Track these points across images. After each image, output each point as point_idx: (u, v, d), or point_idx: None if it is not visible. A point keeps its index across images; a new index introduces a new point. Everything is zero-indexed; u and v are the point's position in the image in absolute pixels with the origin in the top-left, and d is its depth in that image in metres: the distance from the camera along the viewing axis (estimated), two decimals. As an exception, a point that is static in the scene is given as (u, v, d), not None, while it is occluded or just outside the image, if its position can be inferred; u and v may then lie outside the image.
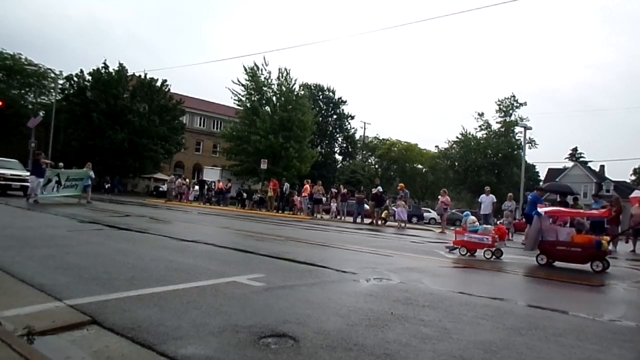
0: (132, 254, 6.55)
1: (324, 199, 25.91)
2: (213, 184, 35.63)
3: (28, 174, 22.63)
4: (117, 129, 40.70)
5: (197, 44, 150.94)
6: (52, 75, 47.65)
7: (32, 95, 48.63)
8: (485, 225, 10.56)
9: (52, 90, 46.56)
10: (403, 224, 21.24)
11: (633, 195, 17.85)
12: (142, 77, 44.73)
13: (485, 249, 9.42)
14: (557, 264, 8.94)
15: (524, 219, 19.35)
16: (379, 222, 22.58)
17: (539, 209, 9.67)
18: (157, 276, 4.91)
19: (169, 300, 3.90)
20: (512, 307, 4.71)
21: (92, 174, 21.00)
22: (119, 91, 42.96)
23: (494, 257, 9.27)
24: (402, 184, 23.41)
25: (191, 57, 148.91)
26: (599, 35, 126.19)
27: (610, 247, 16.06)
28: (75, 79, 44.24)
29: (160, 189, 42.30)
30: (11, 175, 20.84)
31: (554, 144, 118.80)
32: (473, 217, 10.54)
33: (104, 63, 43.40)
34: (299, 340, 3.06)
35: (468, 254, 9.64)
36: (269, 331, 3.21)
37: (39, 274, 4.58)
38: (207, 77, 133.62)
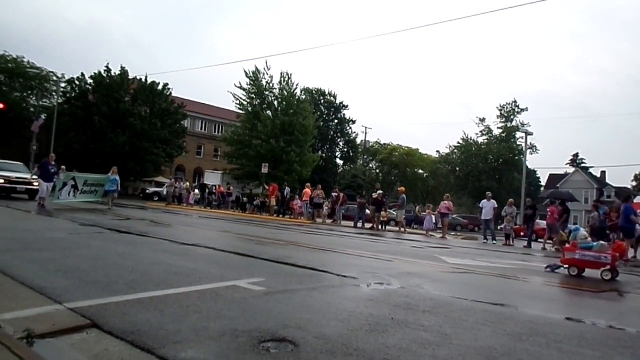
0: (132, 257, 6.55)
1: (325, 202, 25.86)
2: (214, 187, 35.63)
3: (34, 176, 22.61)
4: (118, 132, 40.75)
5: (197, 48, 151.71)
6: (54, 78, 47.85)
7: (33, 98, 48.76)
8: (601, 242, 9.12)
9: (53, 93, 46.72)
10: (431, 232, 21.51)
11: (635, 201, 17.88)
12: (144, 80, 44.81)
13: (603, 268, 8.34)
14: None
15: (524, 225, 19.39)
16: (379, 226, 22.57)
17: None
18: (157, 280, 4.91)
19: (169, 304, 3.89)
20: (513, 313, 4.70)
21: (117, 178, 20.27)
22: (120, 94, 43.01)
23: (611, 277, 8.24)
24: (402, 188, 23.42)
25: (192, 61, 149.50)
26: (597, 42, 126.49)
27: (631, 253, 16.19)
28: (77, 82, 44.33)
29: (147, 190, 40.75)
30: (16, 178, 20.53)
31: (555, 149, 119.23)
32: (584, 232, 9.57)
33: (106, 66, 43.53)
34: (298, 344, 3.05)
35: (575, 272, 8.56)
36: (269, 335, 3.20)
37: (39, 277, 4.58)
38: (208, 81, 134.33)
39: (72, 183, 17.92)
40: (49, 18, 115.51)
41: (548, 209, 17.07)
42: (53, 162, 17.82)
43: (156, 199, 36.33)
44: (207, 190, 34.75)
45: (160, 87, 45.34)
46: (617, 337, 3.93)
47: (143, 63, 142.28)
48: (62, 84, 46.03)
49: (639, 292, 7.20)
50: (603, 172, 65.30)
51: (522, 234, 20.58)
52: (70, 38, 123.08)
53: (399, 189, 23.11)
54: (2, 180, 19.66)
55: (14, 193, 20.21)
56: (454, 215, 32.93)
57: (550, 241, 17.45)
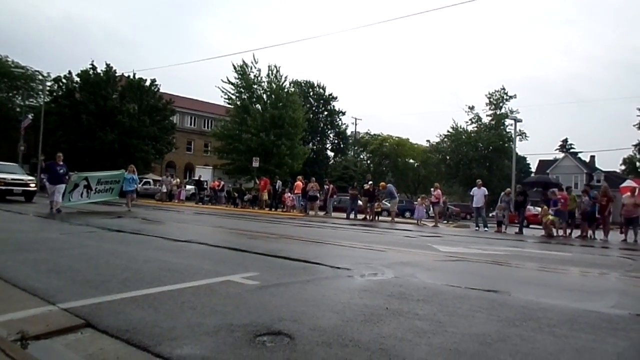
0: (125, 255, 6.52)
1: (318, 195, 25.83)
2: (205, 183, 35.49)
3: (30, 178, 21.54)
4: (107, 130, 40.39)
5: (183, 42, 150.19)
6: (40, 77, 47.31)
7: (19, 98, 48.21)
8: None
9: (40, 93, 46.17)
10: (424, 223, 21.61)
11: (624, 185, 18.08)
12: (131, 77, 44.41)
13: None
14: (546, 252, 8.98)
15: (516, 212, 19.52)
16: (372, 217, 22.64)
17: None
18: (150, 277, 4.89)
19: (164, 301, 3.89)
20: (506, 299, 4.74)
21: (135, 177, 19.27)
22: (108, 92, 42.58)
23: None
24: (382, 183, 23.54)
25: (178, 56, 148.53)
26: (585, 27, 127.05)
27: (602, 235, 16.36)
28: (63, 80, 43.81)
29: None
30: (12, 179, 19.72)
31: (545, 135, 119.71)
32: None
33: (92, 64, 42.99)
34: (294, 337, 3.06)
35: None
36: (265, 329, 3.20)
37: (31, 278, 4.56)
38: (196, 76, 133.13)
39: (84, 184, 16.72)
40: (27, 16, 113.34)
41: (559, 196, 17.11)
42: (61, 162, 15.83)
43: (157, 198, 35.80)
44: (203, 187, 34.58)
45: (147, 83, 44.96)
46: (610, 320, 3.97)
47: (126, 58, 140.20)
48: (49, 83, 45.52)
49: (631, 275, 7.28)
50: (592, 157, 65.77)
51: (516, 221, 20.67)
52: (50, 35, 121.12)
53: (380, 184, 23.15)
54: None
55: (10, 195, 19.50)
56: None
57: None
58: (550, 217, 16.60)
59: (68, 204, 15.77)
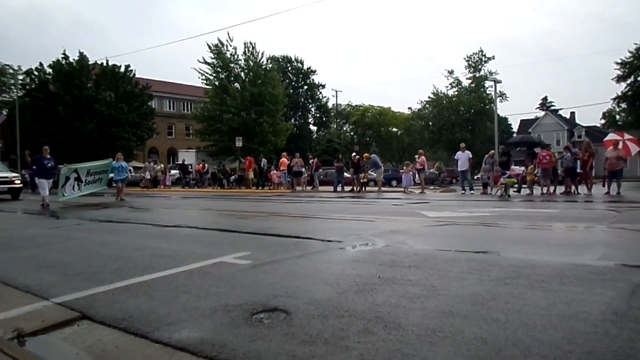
0: (115, 245, 6.50)
1: (304, 170, 25.82)
2: (190, 166, 35.22)
3: (14, 175, 21.04)
4: (85, 120, 39.70)
5: (154, 25, 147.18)
6: (11, 71, 46.03)
7: (-9, 94, 47.07)
8: None
9: (12, 87, 45.07)
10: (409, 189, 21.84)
11: (607, 138, 18.28)
12: (105, 64, 43.50)
13: None
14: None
15: (499, 173, 19.73)
16: (359, 188, 22.72)
17: None
18: (142, 265, 4.89)
19: (158, 288, 3.90)
20: (496, 259, 4.82)
21: (124, 164, 18.72)
22: (82, 81, 41.68)
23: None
24: (366, 154, 23.55)
25: (150, 39, 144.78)
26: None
27: (585, 190, 16.62)
28: (35, 73, 42.75)
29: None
30: None
31: (525, 95, 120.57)
32: None
33: (64, 53, 41.95)
34: (290, 312, 3.10)
35: None
36: (261, 307, 3.24)
37: (22, 275, 4.53)
38: (171, 59, 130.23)
39: (74, 176, 16.27)
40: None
41: (544, 154, 17.28)
42: (48, 156, 15.30)
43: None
44: (188, 171, 34.32)
45: (122, 70, 44.10)
46: (597, 272, 4.07)
47: (96, 45, 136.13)
48: (20, 77, 44.39)
49: (616, 227, 7.43)
50: (572, 113, 66.26)
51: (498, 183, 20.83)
52: (14, 27, 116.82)
53: (364, 155, 23.17)
54: None
55: None
56: (431, 170, 33.23)
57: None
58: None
59: (62, 198, 15.43)
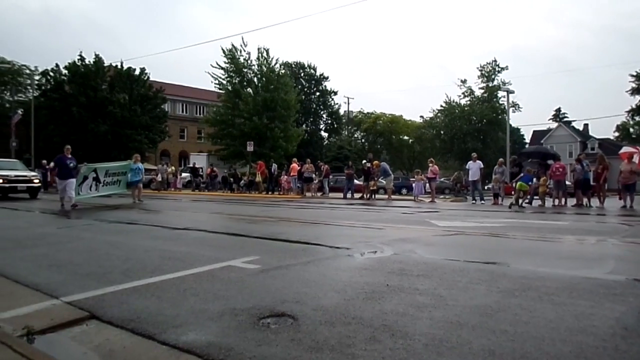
0: (125, 246, 6.54)
1: (314, 176, 25.80)
2: (201, 169, 35.36)
3: (33, 174, 21.16)
4: (99, 122, 40.07)
5: (169, 29, 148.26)
6: (27, 71, 46.57)
7: (8, 94, 47.61)
8: None
9: (28, 87, 45.61)
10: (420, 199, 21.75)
11: (622, 151, 18.10)
12: (120, 67, 43.94)
13: None
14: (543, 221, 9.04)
15: (511, 183, 19.60)
16: (369, 195, 22.68)
17: None
18: (151, 266, 4.92)
19: (166, 290, 3.91)
20: (505, 270, 4.78)
21: (140, 166, 18.42)
22: (97, 83, 42.12)
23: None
24: (376, 162, 23.50)
25: (165, 43, 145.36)
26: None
27: (598, 203, 16.46)
28: (51, 73, 43.28)
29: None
30: (15, 176, 19.15)
31: (537, 105, 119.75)
32: None
33: (80, 55, 42.48)
34: (297, 318, 3.10)
35: None
36: (268, 312, 3.24)
37: (32, 274, 4.57)
38: (185, 62, 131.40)
39: (93, 176, 16.05)
40: (5, 11, 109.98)
41: (557, 166, 17.19)
42: (70, 155, 14.85)
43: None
44: (199, 174, 34.43)
45: (137, 72, 44.51)
46: (607, 286, 4.02)
47: (111, 48, 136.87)
48: (36, 77, 44.93)
49: (627, 241, 7.35)
50: (586, 125, 65.79)
51: (512, 192, 20.69)
52: (30, 30, 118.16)
53: (374, 163, 23.10)
54: (0, 180, 18.49)
55: (13, 193, 19.06)
56: (442, 179, 33.11)
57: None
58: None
59: (77, 197, 14.99)
